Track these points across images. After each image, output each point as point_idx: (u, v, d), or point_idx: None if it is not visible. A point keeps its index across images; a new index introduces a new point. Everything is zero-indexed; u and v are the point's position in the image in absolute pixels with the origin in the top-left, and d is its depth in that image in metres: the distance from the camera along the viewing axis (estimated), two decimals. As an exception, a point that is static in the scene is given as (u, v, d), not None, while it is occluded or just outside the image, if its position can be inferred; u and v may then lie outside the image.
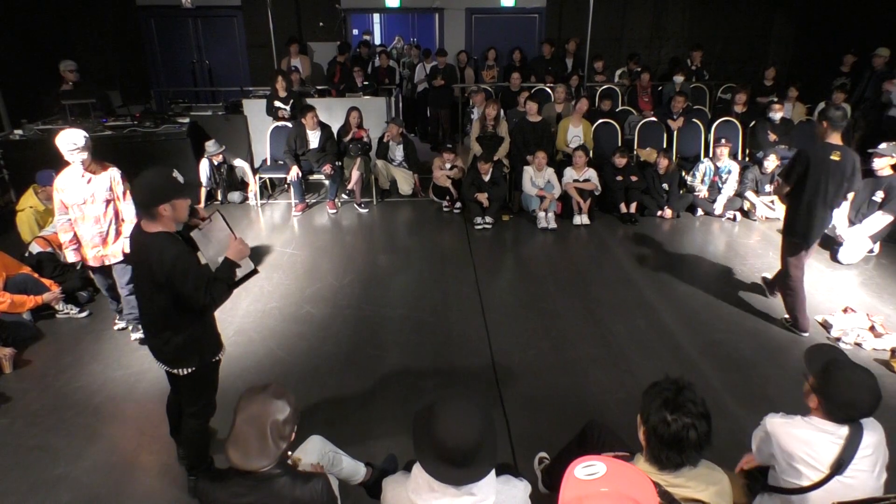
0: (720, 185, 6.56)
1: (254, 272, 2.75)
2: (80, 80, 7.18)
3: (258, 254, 5.67)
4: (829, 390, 2.08)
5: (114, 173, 3.90)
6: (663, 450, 1.71)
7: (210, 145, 6.86)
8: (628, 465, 1.48)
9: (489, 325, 4.40)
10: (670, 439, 1.68)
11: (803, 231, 4.00)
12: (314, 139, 6.82)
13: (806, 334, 4.17)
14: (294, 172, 6.63)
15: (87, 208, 3.85)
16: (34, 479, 2.96)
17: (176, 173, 2.49)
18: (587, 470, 1.37)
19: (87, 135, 3.76)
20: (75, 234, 3.93)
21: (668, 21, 10.62)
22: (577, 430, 2.59)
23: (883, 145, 5.32)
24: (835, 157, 3.82)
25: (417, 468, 1.72)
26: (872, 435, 2.08)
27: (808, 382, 2.17)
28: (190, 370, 2.60)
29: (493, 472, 1.74)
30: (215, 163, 6.96)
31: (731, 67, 10.53)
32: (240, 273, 2.61)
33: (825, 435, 2.07)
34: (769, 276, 4.81)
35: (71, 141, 3.67)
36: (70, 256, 4.04)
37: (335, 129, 7.08)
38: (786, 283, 4.20)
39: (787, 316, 4.34)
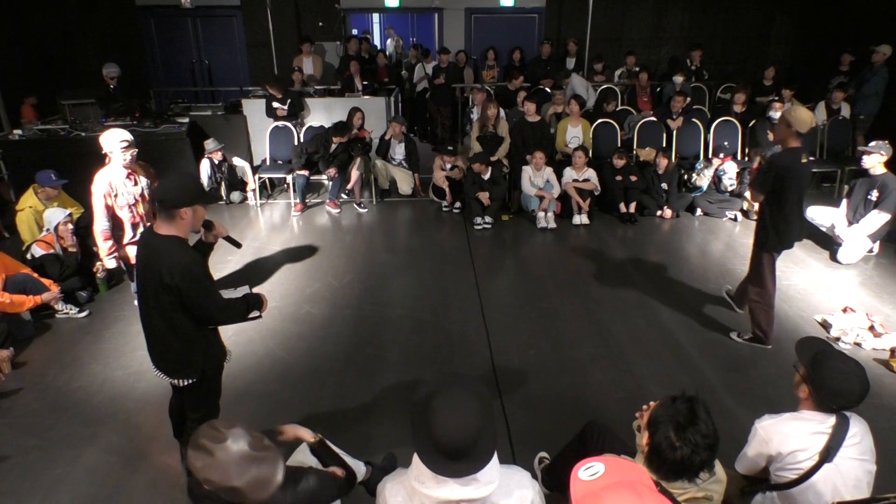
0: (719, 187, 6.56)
1: (258, 317, 2.79)
2: (119, 86, 7.30)
3: (258, 253, 5.69)
4: (818, 380, 2.13)
5: (143, 182, 4.01)
6: (663, 467, 1.73)
7: (209, 143, 6.86)
8: (623, 459, 1.57)
9: (489, 325, 4.40)
10: (672, 463, 1.70)
11: (785, 241, 3.79)
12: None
13: (770, 347, 3.98)
14: (328, 173, 6.68)
15: (137, 209, 3.96)
16: (34, 479, 2.96)
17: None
18: (589, 471, 1.45)
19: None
20: (113, 239, 4.00)
21: (667, 21, 10.62)
22: (577, 430, 2.60)
23: (873, 143, 5.31)
24: (804, 160, 3.60)
25: (417, 458, 1.70)
26: (857, 424, 2.15)
27: (799, 373, 2.24)
28: (190, 381, 2.58)
29: (495, 457, 1.70)
30: (216, 161, 6.96)
31: (731, 67, 10.53)
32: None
33: (814, 425, 2.13)
34: (732, 288, 4.61)
35: (122, 137, 3.74)
36: (110, 263, 4.09)
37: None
38: (763, 297, 3.91)
39: (754, 332, 4.02)
